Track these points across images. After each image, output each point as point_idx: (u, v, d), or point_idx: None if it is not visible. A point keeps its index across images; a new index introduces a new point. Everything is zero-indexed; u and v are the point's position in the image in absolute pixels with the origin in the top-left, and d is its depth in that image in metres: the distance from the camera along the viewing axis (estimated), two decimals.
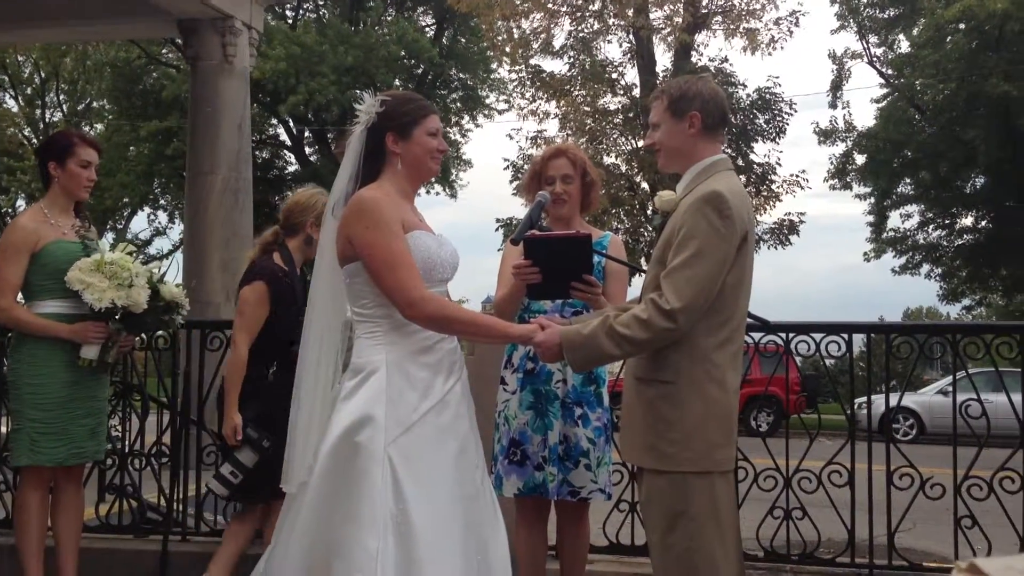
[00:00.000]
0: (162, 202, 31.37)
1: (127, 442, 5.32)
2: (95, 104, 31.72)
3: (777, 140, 21.84)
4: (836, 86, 26.78)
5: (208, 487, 4.44)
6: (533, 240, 3.39)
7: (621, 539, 4.80)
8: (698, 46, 21.59)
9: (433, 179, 27.67)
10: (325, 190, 4.50)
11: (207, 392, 5.21)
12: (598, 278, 3.80)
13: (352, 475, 2.85)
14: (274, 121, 28.92)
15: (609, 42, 22.29)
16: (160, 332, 5.04)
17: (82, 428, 4.21)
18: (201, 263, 9.70)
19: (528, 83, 22.27)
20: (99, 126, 30.37)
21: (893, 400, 5.42)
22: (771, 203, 21.36)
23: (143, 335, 4.91)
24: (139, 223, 42.44)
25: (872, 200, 27.52)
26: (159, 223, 32.84)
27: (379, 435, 2.86)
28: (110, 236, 28.73)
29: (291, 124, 28.64)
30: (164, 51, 27.29)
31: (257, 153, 26.95)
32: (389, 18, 28.63)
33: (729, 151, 19.33)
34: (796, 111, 22.47)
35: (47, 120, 31.35)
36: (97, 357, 4.17)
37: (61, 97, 31.96)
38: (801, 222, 21.63)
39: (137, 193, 29.18)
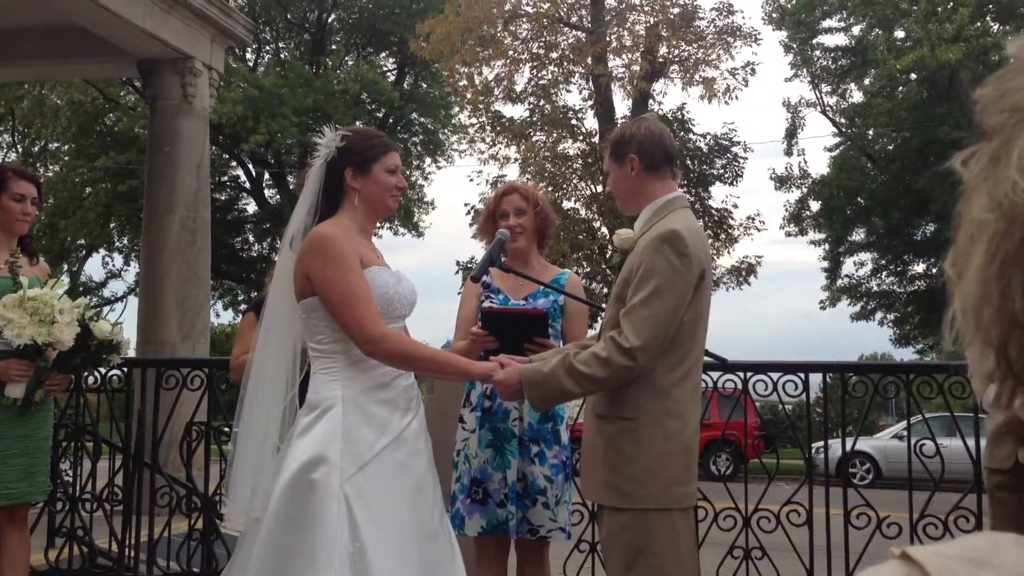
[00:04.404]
0: (118, 244, 30.99)
1: (78, 485, 5.21)
2: (51, 146, 31.38)
3: (735, 183, 22.16)
4: (791, 134, 27.25)
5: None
6: (491, 314, 3.65)
7: None
8: (656, 94, 21.89)
9: (396, 221, 27.84)
10: None
11: (161, 434, 5.13)
12: (557, 316, 3.86)
13: (307, 512, 2.81)
14: (233, 163, 28.79)
15: (569, 91, 22.55)
16: (114, 372, 4.96)
17: (12, 468, 4.06)
18: (157, 303, 9.58)
19: (488, 128, 22.41)
20: (55, 167, 30.01)
21: (849, 444, 5.47)
22: (729, 246, 21.60)
23: (87, 373, 4.82)
24: (94, 266, 41.80)
25: (826, 247, 27.92)
26: (113, 266, 32.42)
27: (335, 472, 2.83)
28: (64, 279, 28.23)
29: (250, 166, 28.54)
30: (123, 93, 27.12)
31: (216, 195, 26.78)
32: (351, 62, 28.74)
33: (688, 196, 19.50)
34: (752, 151, 22.80)
35: (0, 161, 30.98)
36: (23, 396, 4.02)
37: (16, 137, 31.61)
38: (758, 264, 21.89)
39: (93, 234, 28.82)
